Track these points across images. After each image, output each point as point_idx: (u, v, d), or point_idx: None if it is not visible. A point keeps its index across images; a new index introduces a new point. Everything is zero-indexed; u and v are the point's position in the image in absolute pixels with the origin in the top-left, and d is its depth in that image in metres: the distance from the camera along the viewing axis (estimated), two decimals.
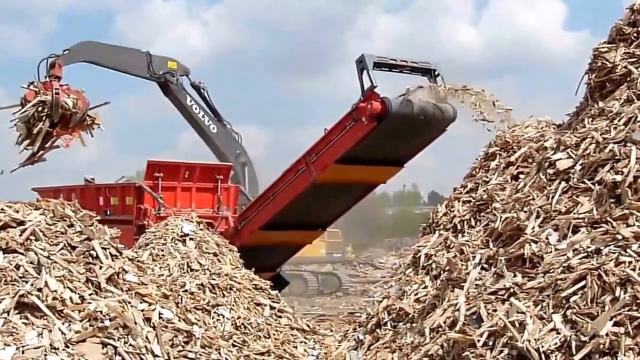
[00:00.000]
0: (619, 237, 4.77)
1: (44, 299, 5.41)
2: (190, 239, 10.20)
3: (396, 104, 10.54)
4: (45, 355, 5.06)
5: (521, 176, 7.29)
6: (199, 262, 9.72)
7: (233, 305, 9.16)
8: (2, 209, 6.09)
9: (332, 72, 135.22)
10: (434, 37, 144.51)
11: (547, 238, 5.32)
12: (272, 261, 13.32)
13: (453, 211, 8.31)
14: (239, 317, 8.98)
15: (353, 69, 10.59)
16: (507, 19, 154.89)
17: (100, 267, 6.01)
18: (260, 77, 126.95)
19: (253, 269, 10.31)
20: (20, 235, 5.87)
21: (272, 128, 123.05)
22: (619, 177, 5.17)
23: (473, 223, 7.80)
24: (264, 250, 12.48)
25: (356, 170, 11.54)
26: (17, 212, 6.15)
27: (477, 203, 8.00)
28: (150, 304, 6.04)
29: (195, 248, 10.05)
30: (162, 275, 9.17)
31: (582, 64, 7.29)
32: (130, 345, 5.41)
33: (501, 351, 4.54)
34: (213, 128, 15.56)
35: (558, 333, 4.41)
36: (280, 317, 9.56)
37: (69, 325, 5.36)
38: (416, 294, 7.32)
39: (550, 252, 5.17)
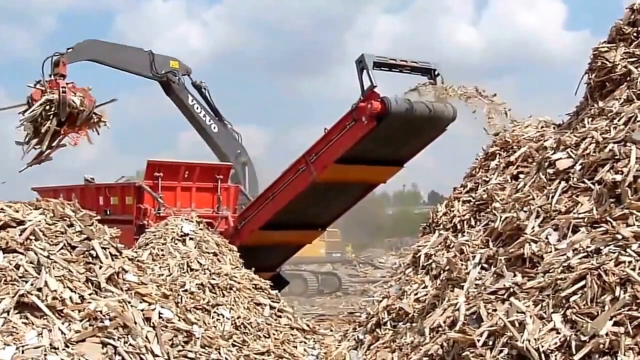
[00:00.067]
0: (619, 236, 4.77)
1: (43, 299, 5.41)
2: (190, 238, 10.20)
3: (396, 103, 10.54)
4: (45, 355, 5.06)
5: (521, 176, 7.29)
6: (198, 262, 9.72)
7: (233, 305, 9.15)
8: (2, 209, 6.09)
9: (332, 72, 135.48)
10: (434, 37, 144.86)
11: (547, 238, 5.32)
12: (272, 261, 13.32)
13: (453, 211, 8.31)
14: (238, 317, 8.98)
15: (353, 69, 10.58)
16: (507, 19, 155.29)
17: (100, 267, 6.01)
18: (260, 77, 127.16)
19: (253, 269, 10.30)
20: (20, 235, 5.87)
21: (271, 128, 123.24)
22: (618, 177, 5.17)
23: (473, 223, 7.79)
24: (264, 250, 12.47)
25: (356, 170, 11.53)
26: (17, 211, 6.14)
27: (477, 203, 7.99)
28: (150, 304, 6.04)
29: (195, 248, 10.05)
30: (162, 275, 9.17)
31: (582, 63, 7.30)
32: (130, 345, 5.41)
33: (501, 351, 4.54)
34: (214, 128, 15.55)
35: (558, 333, 4.40)
36: (280, 316, 9.56)
37: (69, 325, 5.36)
38: (416, 294, 7.31)
39: (550, 251, 5.17)
